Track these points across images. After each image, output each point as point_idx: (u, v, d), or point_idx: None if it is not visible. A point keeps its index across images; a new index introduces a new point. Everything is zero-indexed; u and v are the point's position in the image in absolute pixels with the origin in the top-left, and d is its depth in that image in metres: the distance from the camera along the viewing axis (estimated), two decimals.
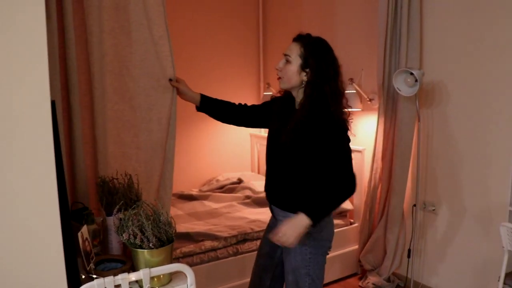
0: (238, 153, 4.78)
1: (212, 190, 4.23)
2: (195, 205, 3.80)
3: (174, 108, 2.22)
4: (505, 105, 2.71)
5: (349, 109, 1.95)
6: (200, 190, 4.29)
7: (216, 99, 2.21)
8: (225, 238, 3.02)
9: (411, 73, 2.82)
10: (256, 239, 3.14)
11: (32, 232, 1.23)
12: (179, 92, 2.20)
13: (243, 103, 2.27)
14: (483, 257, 2.90)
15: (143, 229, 1.49)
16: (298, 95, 1.94)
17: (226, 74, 4.52)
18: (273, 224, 2.12)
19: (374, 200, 3.38)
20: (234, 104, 2.23)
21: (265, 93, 4.57)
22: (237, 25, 4.57)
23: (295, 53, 1.88)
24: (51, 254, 1.27)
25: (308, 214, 1.76)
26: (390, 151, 3.25)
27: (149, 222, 1.48)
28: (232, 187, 4.25)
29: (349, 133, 1.89)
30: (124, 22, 2.14)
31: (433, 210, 3.18)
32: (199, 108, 2.21)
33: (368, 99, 3.46)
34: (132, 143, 2.26)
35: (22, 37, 1.19)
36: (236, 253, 3.03)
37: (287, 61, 1.90)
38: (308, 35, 1.93)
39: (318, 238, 1.92)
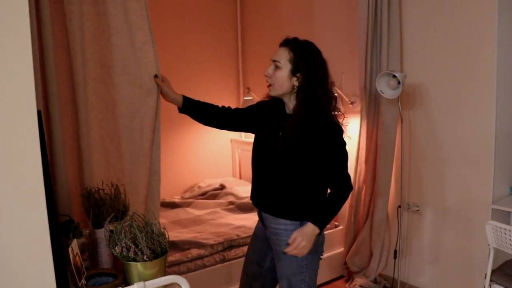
0: (219, 158, 4.73)
1: (195, 197, 4.17)
2: (178, 213, 3.74)
3: (158, 117, 2.16)
4: (485, 104, 2.76)
5: (340, 112, 1.95)
6: (182, 197, 4.23)
7: (199, 101, 2.12)
8: (212, 246, 2.97)
9: (394, 76, 2.85)
10: (243, 245, 3.10)
11: (19, 248, 1.17)
12: (162, 93, 2.12)
13: (226, 106, 2.20)
14: (468, 255, 2.94)
15: (136, 242, 1.44)
16: (290, 101, 1.91)
17: (205, 80, 4.46)
18: (261, 231, 2.10)
19: (358, 202, 3.39)
20: (217, 106, 2.14)
21: (245, 98, 4.54)
22: (214, 30, 4.52)
23: (284, 59, 1.84)
24: (40, 271, 1.21)
25: (315, 222, 1.81)
26: (373, 154, 3.27)
27: (143, 234, 1.43)
28: (214, 193, 4.20)
29: (344, 135, 1.89)
30: (104, 27, 2.08)
31: (417, 210, 3.21)
32: (181, 110, 2.11)
33: (349, 102, 3.47)
34: (116, 152, 2.20)
35: (5, 43, 1.13)
36: (223, 260, 2.99)
37: (276, 67, 1.86)
38: (295, 39, 1.89)
39: (314, 244, 1.89)
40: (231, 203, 3.90)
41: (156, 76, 2.11)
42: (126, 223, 1.47)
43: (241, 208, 3.77)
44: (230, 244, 3.06)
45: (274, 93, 1.91)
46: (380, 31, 3.10)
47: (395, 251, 3.23)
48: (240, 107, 4.69)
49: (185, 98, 2.09)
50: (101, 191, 1.99)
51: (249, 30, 4.64)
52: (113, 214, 1.65)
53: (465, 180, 2.93)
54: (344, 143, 1.89)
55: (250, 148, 4.56)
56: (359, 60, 3.20)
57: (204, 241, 2.97)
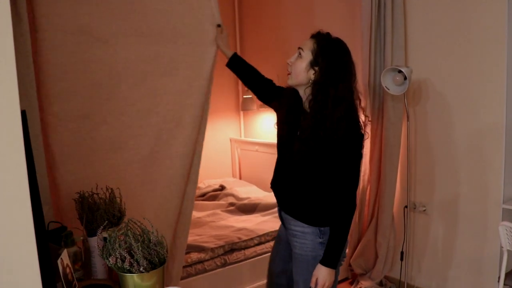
0: (218, 158, 4.63)
1: (194, 198, 4.06)
2: None
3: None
4: (494, 99, 2.66)
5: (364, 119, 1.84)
6: None
7: (246, 62, 2.23)
8: (212, 249, 2.87)
9: (399, 71, 2.74)
10: (244, 248, 3.01)
11: (3, 261, 1.07)
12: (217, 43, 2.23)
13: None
14: (477, 257, 2.84)
15: (132, 252, 1.33)
16: (305, 94, 1.82)
17: None
18: (283, 235, 2.03)
19: (363, 203, 3.28)
20: (260, 73, 2.23)
21: (244, 96, 4.44)
22: None
23: (308, 49, 1.77)
24: (27, 285, 1.11)
25: (327, 264, 1.75)
26: (378, 152, 3.17)
27: (138, 243, 1.32)
28: (214, 194, 4.10)
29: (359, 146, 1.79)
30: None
31: (424, 210, 3.11)
32: (228, 64, 2.22)
33: None
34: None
35: None
36: (224, 264, 2.89)
37: (299, 55, 1.80)
38: (327, 34, 1.81)
39: None
40: (231, 204, 3.80)
41: (219, 25, 2.19)
42: (121, 232, 1.36)
43: (242, 210, 3.67)
44: (231, 248, 2.96)
45: (290, 81, 1.86)
46: (384, 25, 3.00)
47: (402, 253, 3.12)
48: (240, 106, 4.64)
49: (235, 54, 2.22)
50: (95, 195, 1.88)
51: (247, 29, 4.53)
52: (106, 222, 1.53)
53: (474, 179, 2.83)
54: (354, 156, 1.77)
55: (250, 147, 4.47)
56: (362, 55, 3.09)
57: (204, 245, 2.87)
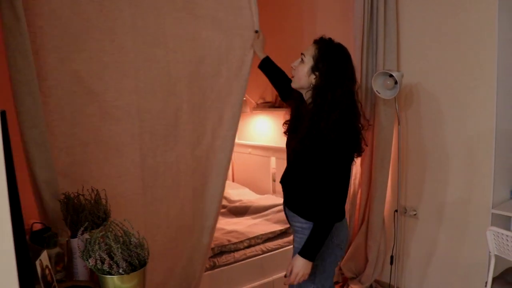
0: None
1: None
2: None
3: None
4: (485, 104, 2.67)
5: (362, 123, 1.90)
6: None
7: (276, 65, 2.39)
8: None
9: (390, 75, 2.74)
10: (234, 251, 3.00)
11: None
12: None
13: None
14: (467, 261, 2.84)
15: (111, 253, 1.32)
16: (307, 97, 1.91)
17: None
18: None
19: (354, 206, 3.28)
20: (286, 75, 2.33)
21: None
22: None
23: (310, 54, 1.87)
24: (3, 286, 1.10)
25: (303, 256, 1.79)
26: (369, 156, 3.16)
27: (118, 245, 1.32)
28: None
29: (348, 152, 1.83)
30: None
31: (415, 214, 3.11)
32: (260, 65, 2.39)
33: None
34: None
35: None
36: (213, 267, 2.87)
37: (301, 61, 1.90)
38: (329, 39, 1.90)
39: (328, 245, 1.87)
40: (223, 206, 3.78)
41: (256, 31, 2.40)
42: (101, 233, 1.36)
43: (233, 212, 3.66)
44: (220, 250, 2.95)
45: (293, 85, 1.96)
46: (376, 29, 3.00)
47: (392, 257, 3.12)
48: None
49: (267, 57, 2.39)
50: (81, 196, 1.88)
51: None
52: (86, 223, 1.53)
53: (464, 183, 2.83)
54: (343, 158, 1.80)
55: (242, 149, 4.48)
56: (354, 59, 3.06)
57: None
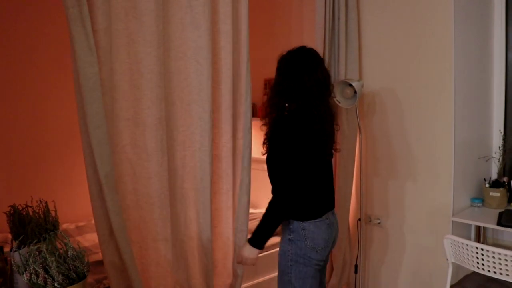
0: None
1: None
2: None
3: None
4: (443, 112, 2.70)
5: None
6: None
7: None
8: None
9: (350, 85, 2.76)
10: None
11: None
12: None
13: None
14: (429, 268, 2.86)
15: (47, 267, 1.29)
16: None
17: None
18: None
19: None
20: None
21: None
22: None
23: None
24: None
25: (250, 242, 1.96)
26: (333, 165, 3.17)
27: (53, 258, 1.28)
28: None
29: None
30: None
31: (379, 223, 3.12)
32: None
33: None
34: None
35: None
36: None
37: None
38: (285, 53, 2.08)
39: (301, 246, 1.96)
40: None
41: None
42: (36, 246, 1.32)
43: None
44: None
45: None
46: (338, 39, 3.02)
47: (356, 266, 3.12)
48: None
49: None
50: (29, 208, 1.84)
51: None
52: (22, 236, 1.49)
53: (426, 192, 2.86)
54: (286, 154, 1.88)
55: None
56: None
57: None
